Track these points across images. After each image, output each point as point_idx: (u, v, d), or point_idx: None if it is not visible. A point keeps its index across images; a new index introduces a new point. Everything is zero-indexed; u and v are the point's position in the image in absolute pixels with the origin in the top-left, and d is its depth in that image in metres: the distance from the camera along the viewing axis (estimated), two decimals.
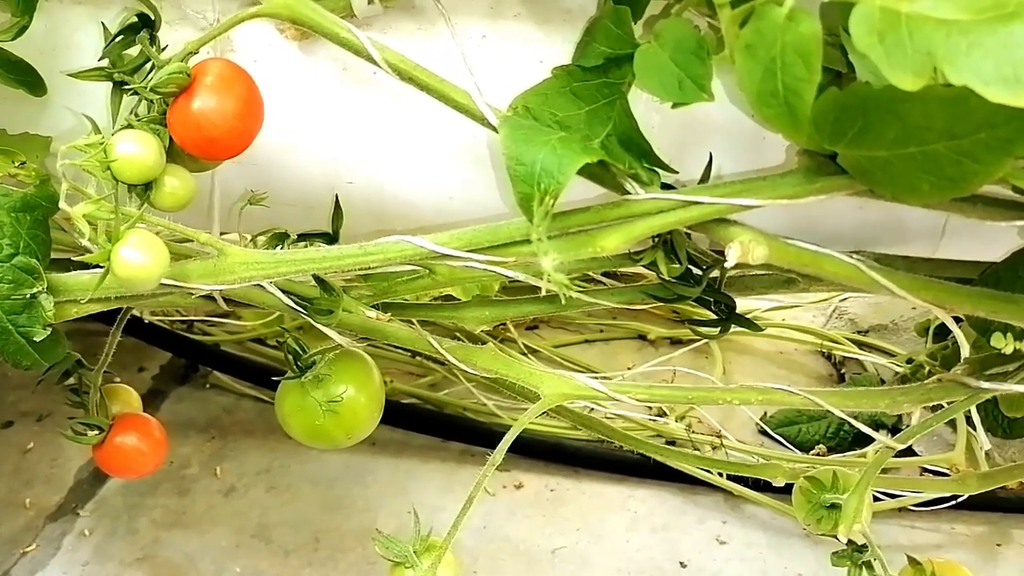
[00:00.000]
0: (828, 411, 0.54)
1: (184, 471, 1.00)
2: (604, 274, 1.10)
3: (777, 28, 0.37)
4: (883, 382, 1.14)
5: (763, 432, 1.07)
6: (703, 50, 0.43)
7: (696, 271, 0.54)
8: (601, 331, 1.29)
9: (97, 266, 0.46)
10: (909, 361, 1.11)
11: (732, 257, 0.43)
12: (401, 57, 0.47)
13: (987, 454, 0.95)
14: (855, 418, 0.57)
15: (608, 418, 0.99)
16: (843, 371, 1.22)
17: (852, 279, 0.45)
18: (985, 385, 0.50)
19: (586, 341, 1.27)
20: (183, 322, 1.13)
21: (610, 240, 0.44)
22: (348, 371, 0.60)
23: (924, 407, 0.63)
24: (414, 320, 0.59)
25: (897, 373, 1.12)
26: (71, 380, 0.63)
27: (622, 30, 0.47)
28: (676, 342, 1.26)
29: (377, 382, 0.62)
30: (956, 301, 0.46)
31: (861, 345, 1.22)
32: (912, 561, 0.60)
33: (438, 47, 0.54)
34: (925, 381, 0.53)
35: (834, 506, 0.56)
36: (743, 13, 0.38)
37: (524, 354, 1.15)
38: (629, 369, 1.18)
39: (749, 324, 0.57)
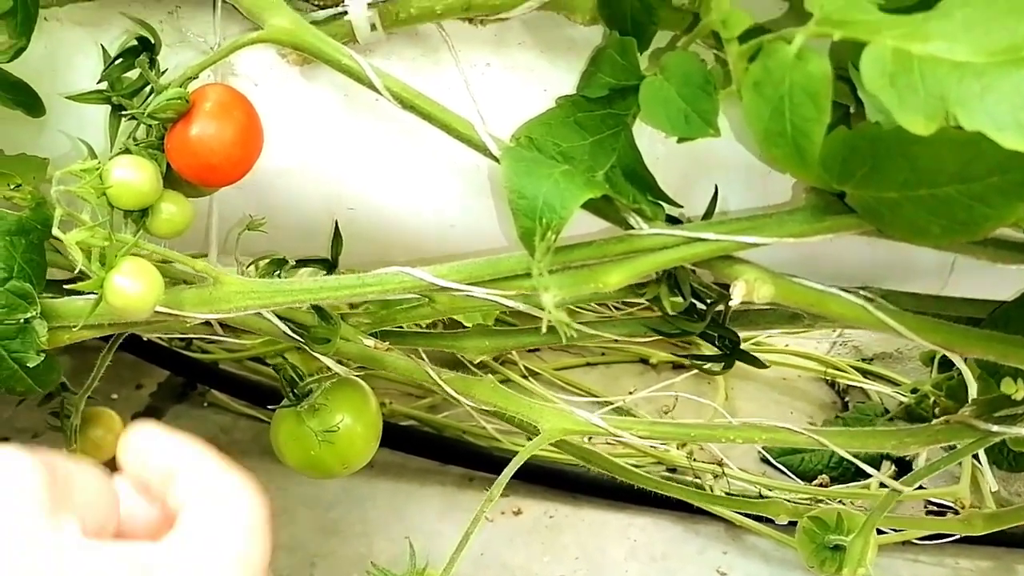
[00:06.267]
0: None
1: None
2: None
3: (786, 66, 0.36)
4: (887, 411, 1.12)
5: (765, 460, 1.06)
6: (710, 85, 0.42)
7: (700, 305, 0.53)
8: (603, 354, 1.28)
9: (91, 292, 0.45)
10: (914, 391, 1.10)
11: (737, 295, 0.43)
12: (403, 85, 0.47)
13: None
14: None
15: (609, 443, 0.98)
16: (847, 399, 1.21)
17: (859, 320, 0.44)
18: (994, 428, 0.49)
19: (588, 364, 1.26)
20: (181, 340, 1.12)
21: (613, 276, 0.43)
22: (345, 400, 0.60)
23: None
24: (419, 348, 0.58)
25: (901, 403, 1.10)
26: (54, 402, 0.62)
27: (627, 61, 0.46)
28: (678, 366, 1.25)
29: (374, 411, 0.62)
30: (966, 345, 0.45)
31: (865, 373, 1.21)
32: None
33: (441, 75, 0.53)
34: (933, 422, 0.52)
35: (838, 547, 0.55)
36: (751, 49, 0.37)
37: (525, 376, 1.14)
38: (631, 393, 1.17)
39: (753, 360, 0.56)
